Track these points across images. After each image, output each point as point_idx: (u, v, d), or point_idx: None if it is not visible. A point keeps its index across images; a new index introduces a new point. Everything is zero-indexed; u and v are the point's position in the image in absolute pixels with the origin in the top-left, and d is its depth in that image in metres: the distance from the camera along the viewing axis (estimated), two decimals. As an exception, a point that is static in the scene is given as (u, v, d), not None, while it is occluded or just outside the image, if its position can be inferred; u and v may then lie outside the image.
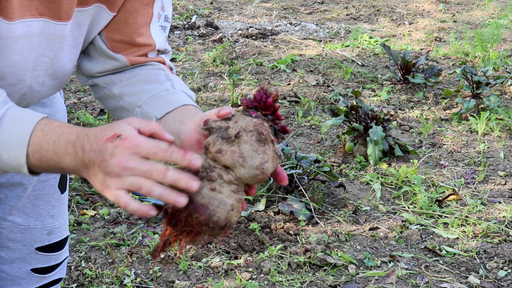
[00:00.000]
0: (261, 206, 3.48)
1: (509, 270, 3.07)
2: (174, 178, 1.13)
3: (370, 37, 6.48)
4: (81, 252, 3.11)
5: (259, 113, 1.22)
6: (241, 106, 1.25)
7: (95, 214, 3.44)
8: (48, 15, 1.36)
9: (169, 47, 1.59)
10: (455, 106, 4.92)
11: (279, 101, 4.94)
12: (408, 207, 3.58)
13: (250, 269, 3.02)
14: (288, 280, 2.96)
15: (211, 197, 1.15)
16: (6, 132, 1.20)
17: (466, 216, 3.49)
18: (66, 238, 1.85)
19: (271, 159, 1.18)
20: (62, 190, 1.79)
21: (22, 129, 1.20)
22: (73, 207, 3.48)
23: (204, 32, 6.52)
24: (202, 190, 1.15)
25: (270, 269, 3.00)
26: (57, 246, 1.82)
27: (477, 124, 4.51)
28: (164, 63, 1.55)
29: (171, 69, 1.57)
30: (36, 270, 1.81)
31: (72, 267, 3.00)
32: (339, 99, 4.83)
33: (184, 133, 1.31)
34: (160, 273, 2.98)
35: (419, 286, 2.95)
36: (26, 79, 1.42)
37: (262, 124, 1.19)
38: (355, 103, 4.13)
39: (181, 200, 1.13)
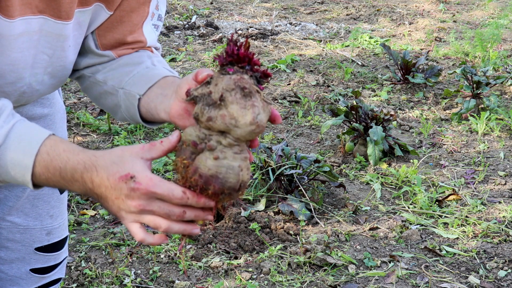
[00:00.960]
0: (261, 206, 3.48)
1: (509, 270, 3.07)
2: (191, 217, 1.18)
3: (370, 37, 6.48)
4: (81, 252, 3.11)
5: (235, 67, 1.19)
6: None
7: (95, 214, 3.44)
8: (48, 12, 1.36)
9: (159, 45, 1.59)
10: (455, 106, 4.92)
11: (279, 100, 4.94)
12: (408, 207, 3.58)
13: (250, 269, 3.02)
14: (288, 280, 2.96)
15: (217, 166, 1.15)
16: (12, 150, 1.21)
17: (466, 216, 3.49)
18: (65, 238, 1.85)
19: (261, 109, 1.17)
20: (61, 191, 1.79)
21: (27, 149, 1.20)
22: (73, 207, 3.47)
23: (204, 32, 6.52)
24: (207, 161, 1.15)
25: (270, 269, 3.00)
26: (56, 246, 1.81)
27: (477, 124, 4.51)
28: (151, 51, 1.55)
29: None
30: (35, 270, 1.80)
31: (72, 267, 3.00)
32: (339, 99, 4.83)
33: (169, 106, 1.31)
34: (160, 273, 2.98)
35: (419, 286, 2.95)
36: (25, 77, 1.42)
37: (242, 79, 1.17)
38: (355, 103, 4.13)
39: (196, 231, 1.20)
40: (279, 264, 3.05)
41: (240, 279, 2.93)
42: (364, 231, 3.36)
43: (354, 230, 3.36)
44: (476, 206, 3.57)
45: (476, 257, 3.16)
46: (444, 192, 3.75)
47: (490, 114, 4.61)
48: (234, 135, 1.16)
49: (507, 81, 5.21)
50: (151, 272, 2.98)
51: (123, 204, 1.17)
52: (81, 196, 3.57)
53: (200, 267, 3.02)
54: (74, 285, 2.90)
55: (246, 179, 1.18)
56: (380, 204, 3.62)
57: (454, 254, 3.19)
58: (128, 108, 1.43)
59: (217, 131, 1.16)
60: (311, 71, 5.59)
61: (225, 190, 1.16)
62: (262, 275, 2.99)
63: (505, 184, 3.84)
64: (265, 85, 1.24)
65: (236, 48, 1.19)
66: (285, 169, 3.53)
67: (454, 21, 7.23)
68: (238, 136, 1.16)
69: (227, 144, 1.16)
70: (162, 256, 3.09)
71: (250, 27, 6.76)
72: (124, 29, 1.48)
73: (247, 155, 1.19)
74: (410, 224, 3.43)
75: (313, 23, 7.09)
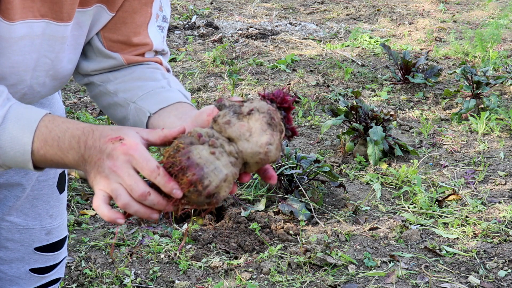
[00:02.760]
0: (261, 206, 3.48)
1: (509, 270, 3.06)
2: (154, 202, 1.15)
3: (370, 37, 6.48)
4: (81, 252, 3.11)
5: (274, 104, 1.21)
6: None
7: (95, 214, 3.44)
8: (50, 16, 1.35)
9: (167, 48, 1.58)
10: (455, 106, 4.92)
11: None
12: (408, 207, 3.58)
13: (250, 269, 3.02)
14: (288, 280, 2.96)
15: (208, 160, 1.14)
16: (10, 130, 1.22)
17: (466, 216, 3.49)
18: (65, 238, 1.85)
19: (275, 145, 1.17)
20: (61, 190, 1.79)
21: (26, 126, 1.22)
22: (73, 207, 3.47)
23: (204, 32, 6.52)
24: (202, 151, 1.14)
25: (270, 269, 3.00)
26: (55, 246, 1.81)
27: (477, 124, 4.51)
28: (161, 64, 1.55)
29: (168, 70, 1.57)
30: (35, 270, 1.80)
31: (72, 267, 3.00)
32: (339, 99, 4.83)
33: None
34: (160, 273, 2.98)
35: (419, 286, 2.95)
36: (26, 79, 1.42)
37: (276, 111, 1.19)
38: (355, 103, 4.13)
39: (155, 216, 1.17)
40: (279, 264, 3.05)
41: (240, 279, 2.93)
42: (364, 231, 3.36)
43: (354, 230, 3.36)
44: (476, 206, 3.57)
45: (476, 257, 3.16)
46: (444, 192, 3.74)
47: (490, 114, 4.61)
48: (240, 147, 1.16)
49: (507, 81, 5.21)
50: (151, 272, 2.98)
51: (101, 165, 1.16)
52: (81, 196, 3.57)
53: (200, 267, 3.02)
54: (74, 285, 2.90)
55: (222, 195, 1.16)
56: (380, 204, 3.62)
57: (454, 254, 3.19)
58: (135, 123, 1.43)
59: (227, 136, 1.16)
60: (311, 71, 5.59)
61: (200, 185, 1.13)
62: (262, 275, 2.99)
63: (505, 184, 3.84)
64: (288, 139, 1.25)
65: (283, 94, 1.22)
66: (285, 169, 3.53)
67: (454, 21, 7.23)
68: (243, 149, 1.16)
69: (228, 151, 1.16)
70: (162, 256, 3.09)
71: (250, 27, 6.76)
72: (128, 30, 1.48)
73: (237, 173, 1.17)
74: (410, 224, 3.43)
75: (313, 23, 7.09)
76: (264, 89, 1.24)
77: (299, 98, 4.97)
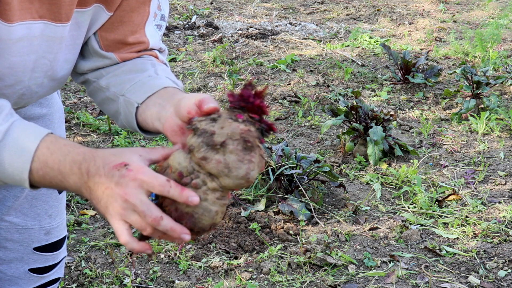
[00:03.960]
0: (261, 206, 3.48)
1: (509, 270, 3.06)
2: (167, 228, 1.16)
3: (370, 37, 6.48)
4: (81, 252, 3.10)
5: (246, 115, 1.17)
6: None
7: (95, 214, 3.44)
8: (48, 17, 1.35)
9: (164, 46, 1.58)
10: (455, 106, 4.92)
11: (279, 100, 4.94)
12: (408, 207, 3.58)
13: (250, 269, 3.02)
14: (288, 280, 2.96)
15: (196, 206, 1.15)
16: (11, 146, 1.20)
17: (466, 216, 3.49)
18: (64, 238, 1.84)
19: (257, 166, 1.16)
20: (59, 190, 1.79)
21: (27, 145, 1.20)
22: (73, 207, 3.47)
23: (204, 32, 6.52)
24: None
25: (270, 269, 3.00)
26: (55, 246, 1.81)
27: (477, 124, 4.51)
28: (156, 57, 1.54)
29: (165, 65, 1.56)
30: (34, 270, 1.80)
31: (72, 267, 3.00)
32: (339, 99, 4.83)
33: (164, 118, 1.30)
34: (160, 273, 2.98)
35: (419, 286, 2.95)
36: (24, 80, 1.42)
37: (249, 131, 1.15)
38: (355, 103, 4.13)
39: (186, 238, 1.17)
40: (279, 264, 3.05)
41: (240, 279, 2.93)
42: (364, 231, 3.36)
43: (354, 230, 3.36)
44: (476, 206, 3.57)
45: (476, 257, 3.16)
46: (444, 192, 3.74)
47: (490, 114, 4.61)
48: (222, 182, 1.15)
49: (507, 81, 5.21)
50: (151, 272, 2.98)
51: (111, 194, 1.15)
52: (81, 196, 3.57)
53: (200, 267, 3.02)
54: (74, 285, 2.90)
55: (218, 222, 1.18)
56: (380, 204, 3.62)
57: (454, 254, 3.19)
58: (126, 116, 1.42)
59: (207, 171, 1.15)
60: (311, 71, 5.58)
61: (195, 228, 1.16)
62: (262, 275, 2.99)
63: (505, 184, 3.84)
64: (266, 139, 1.22)
65: (252, 95, 1.17)
66: (285, 169, 3.53)
67: (454, 21, 7.23)
68: (225, 185, 1.15)
69: (212, 187, 1.15)
70: (162, 256, 3.09)
71: (250, 27, 6.76)
72: (125, 29, 1.48)
73: (227, 201, 1.18)
74: (410, 224, 3.43)
75: (313, 23, 7.09)
76: (232, 93, 1.19)
77: (299, 98, 4.97)
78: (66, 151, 1.20)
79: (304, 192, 3.51)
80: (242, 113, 1.17)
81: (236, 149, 1.14)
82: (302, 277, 2.97)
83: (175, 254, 3.09)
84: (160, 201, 1.17)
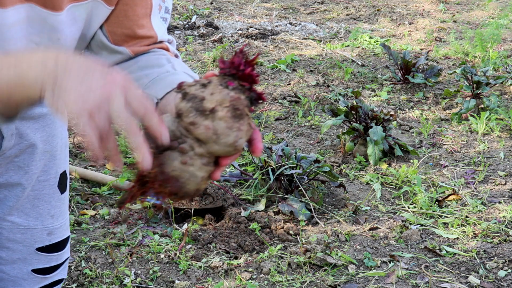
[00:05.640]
0: (261, 206, 3.48)
1: (509, 270, 3.07)
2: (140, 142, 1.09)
3: (370, 37, 6.48)
4: (81, 252, 3.11)
5: (236, 83, 1.15)
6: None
7: (95, 214, 3.44)
8: (35, 1, 1.35)
9: (172, 37, 1.58)
10: (455, 106, 4.92)
11: (279, 100, 4.94)
12: (408, 207, 3.58)
13: (250, 269, 3.02)
14: (288, 280, 2.96)
15: (182, 170, 1.13)
16: None
17: (466, 216, 3.49)
18: (67, 239, 1.84)
19: (245, 134, 1.15)
20: (62, 190, 1.79)
21: None
22: (73, 207, 3.47)
23: (204, 32, 6.52)
24: (173, 162, 1.13)
25: (270, 269, 3.00)
26: (57, 247, 1.81)
27: (477, 124, 4.51)
28: (167, 50, 1.55)
29: (176, 56, 1.57)
30: (37, 271, 1.80)
31: (72, 267, 3.00)
32: (339, 99, 4.83)
33: None
34: (160, 273, 2.98)
35: (419, 286, 2.95)
36: None
37: (239, 99, 1.14)
38: (355, 103, 4.13)
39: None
40: (279, 264, 3.05)
41: (240, 279, 2.93)
42: (364, 231, 3.36)
43: (354, 230, 3.36)
44: (476, 206, 3.58)
45: (476, 257, 3.16)
46: (444, 192, 3.75)
47: (490, 114, 4.61)
48: (209, 148, 1.14)
49: (507, 81, 5.22)
50: (151, 272, 2.98)
51: (89, 79, 1.06)
52: (81, 196, 3.57)
53: (200, 267, 3.02)
54: (74, 285, 2.90)
55: (202, 188, 1.17)
56: (380, 204, 3.62)
57: (454, 254, 3.19)
58: None
59: (195, 136, 1.14)
60: (311, 71, 5.59)
61: (180, 193, 1.14)
62: (262, 275, 2.99)
63: (505, 184, 3.84)
64: (255, 108, 1.21)
65: (244, 63, 1.16)
66: (285, 169, 3.53)
67: (454, 21, 7.23)
68: (212, 151, 1.14)
69: (199, 153, 1.14)
70: (162, 256, 3.09)
71: (250, 27, 6.76)
72: (131, 23, 1.48)
73: (212, 168, 1.16)
74: (410, 224, 3.43)
75: (313, 23, 7.09)
76: (222, 58, 1.17)
77: (299, 98, 4.97)
78: (21, 55, 1.12)
79: (304, 192, 3.51)
80: (233, 80, 1.16)
81: (225, 116, 1.13)
82: (302, 277, 2.97)
83: (175, 254, 3.09)
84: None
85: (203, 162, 1.15)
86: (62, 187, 1.78)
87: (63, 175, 1.79)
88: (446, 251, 3.21)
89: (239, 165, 3.86)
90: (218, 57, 4.32)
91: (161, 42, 1.54)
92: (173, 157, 1.14)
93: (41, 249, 1.77)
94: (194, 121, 1.13)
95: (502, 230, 3.38)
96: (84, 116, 1.05)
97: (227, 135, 1.13)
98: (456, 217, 3.47)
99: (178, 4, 7.36)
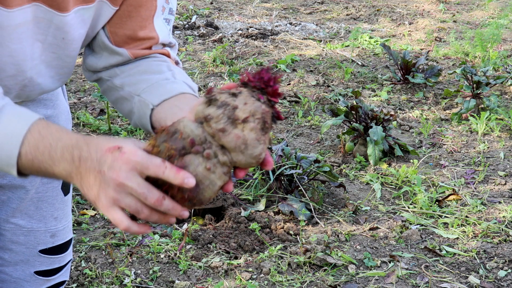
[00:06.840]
0: (261, 206, 3.48)
1: (509, 270, 3.07)
2: (168, 208, 1.12)
3: (370, 37, 6.48)
4: (81, 252, 3.11)
5: (265, 98, 1.17)
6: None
7: (95, 214, 3.44)
8: (41, 0, 1.35)
9: (174, 41, 1.57)
10: (455, 106, 4.92)
11: (279, 100, 4.94)
12: (408, 207, 3.58)
13: (250, 269, 3.02)
14: (288, 280, 2.96)
15: (204, 176, 1.12)
16: (0, 130, 1.17)
17: (466, 216, 3.49)
18: (70, 241, 1.84)
19: (266, 148, 1.16)
20: (65, 192, 1.79)
21: (17, 128, 1.17)
22: (73, 207, 3.48)
23: (204, 32, 6.52)
24: (198, 167, 1.12)
25: (270, 269, 3.00)
26: (60, 249, 1.81)
27: (477, 124, 4.51)
28: (168, 56, 1.54)
29: (177, 63, 1.56)
30: (40, 273, 1.80)
31: (72, 267, 3.00)
32: (339, 99, 4.83)
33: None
34: (160, 273, 2.98)
35: (419, 286, 2.95)
36: (26, 70, 1.42)
37: (268, 113, 1.16)
38: (355, 103, 4.14)
39: (172, 221, 1.15)
40: (279, 264, 3.05)
41: (240, 279, 2.93)
42: (364, 231, 3.36)
43: (354, 230, 3.37)
44: (476, 206, 3.58)
45: (476, 257, 3.16)
46: (444, 192, 3.75)
47: (490, 114, 4.61)
48: (234, 158, 1.14)
49: (507, 81, 5.22)
50: (151, 272, 2.98)
51: (104, 179, 1.11)
52: (81, 196, 3.57)
53: (200, 267, 3.02)
54: (74, 285, 2.91)
55: (212, 198, 1.17)
56: (380, 204, 3.62)
57: (454, 254, 3.20)
58: (140, 116, 1.42)
59: (220, 143, 1.14)
60: (311, 71, 5.59)
61: (195, 199, 1.14)
62: (262, 275, 2.99)
63: (505, 184, 3.85)
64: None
65: (272, 79, 1.18)
66: (285, 169, 3.53)
67: (454, 21, 7.23)
68: (236, 160, 1.14)
69: (222, 161, 1.14)
70: (162, 256, 3.09)
71: (250, 27, 6.76)
72: (134, 24, 1.48)
73: (228, 179, 1.16)
74: (410, 224, 3.43)
75: (313, 23, 7.09)
76: (249, 72, 1.19)
77: (299, 98, 4.97)
78: (58, 136, 1.17)
79: (304, 192, 3.51)
80: (262, 94, 1.17)
81: (256, 127, 1.13)
82: (302, 277, 2.97)
83: (175, 254, 3.09)
84: (165, 149, 1.14)
85: (224, 171, 1.15)
86: (65, 189, 1.78)
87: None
88: (446, 251, 3.21)
89: (239, 165, 3.86)
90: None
91: (162, 44, 1.54)
92: (197, 162, 1.13)
93: (44, 251, 1.77)
94: (224, 127, 1.13)
95: (502, 230, 3.38)
96: (111, 208, 1.13)
97: (254, 147, 1.14)
98: (456, 217, 3.47)
99: (178, 4, 7.36)
